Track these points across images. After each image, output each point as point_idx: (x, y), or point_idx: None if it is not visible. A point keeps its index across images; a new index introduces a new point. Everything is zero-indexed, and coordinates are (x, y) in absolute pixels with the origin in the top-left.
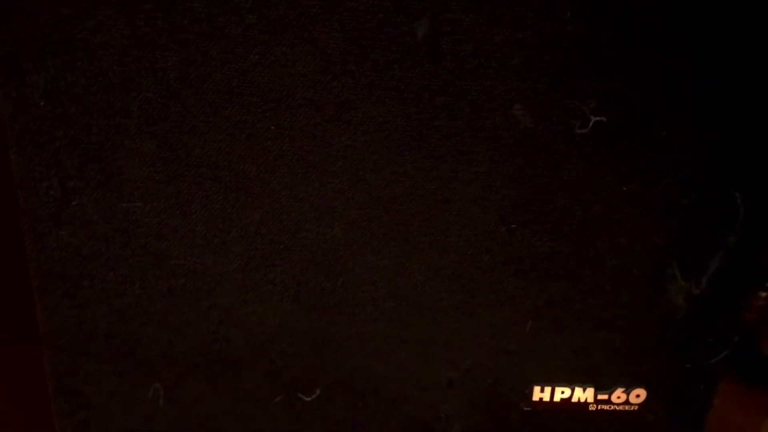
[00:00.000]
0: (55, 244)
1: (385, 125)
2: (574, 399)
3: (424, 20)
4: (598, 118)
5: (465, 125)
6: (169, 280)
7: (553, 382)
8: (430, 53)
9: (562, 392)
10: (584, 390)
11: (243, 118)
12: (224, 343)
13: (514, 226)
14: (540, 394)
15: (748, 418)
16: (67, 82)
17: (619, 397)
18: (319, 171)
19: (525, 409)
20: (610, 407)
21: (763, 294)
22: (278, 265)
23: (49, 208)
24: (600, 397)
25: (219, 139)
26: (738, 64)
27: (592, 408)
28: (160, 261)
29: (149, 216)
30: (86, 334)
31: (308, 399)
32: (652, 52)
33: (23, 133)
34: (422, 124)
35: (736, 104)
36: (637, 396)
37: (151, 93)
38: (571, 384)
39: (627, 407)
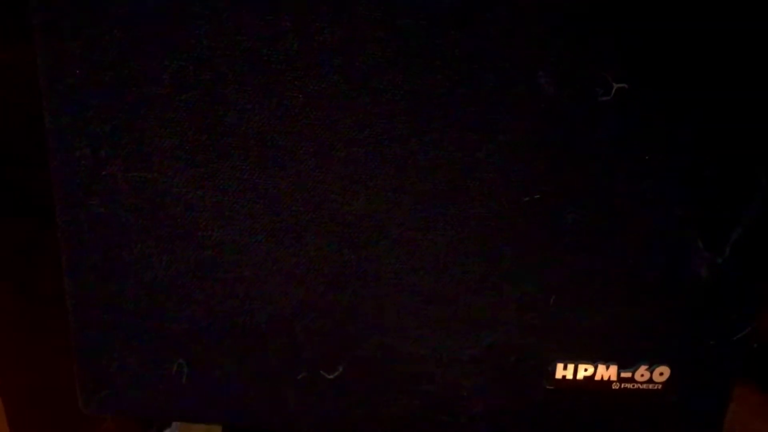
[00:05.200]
0: (85, 214)
1: (411, 93)
2: (597, 377)
3: None
4: (620, 85)
5: (490, 93)
6: (195, 252)
7: (577, 359)
8: (457, 21)
9: (585, 370)
10: (607, 368)
11: (272, 86)
12: (248, 318)
13: (537, 196)
14: (563, 371)
15: (765, 424)
16: (103, 49)
17: (642, 375)
18: (345, 140)
19: (548, 387)
20: (633, 386)
21: None
22: (303, 237)
23: (81, 177)
24: (623, 375)
25: (248, 108)
26: (764, 34)
27: (615, 387)
28: (188, 232)
29: (177, 186)
30: (112, 308)
31: (330, 377)
32: (676, 20)
33: (59, 101)
34: (448, 92)
35: (760, 77)
36: (661, 374)
37: (183, 61)
38: (594, 361)
39: (651, 386)
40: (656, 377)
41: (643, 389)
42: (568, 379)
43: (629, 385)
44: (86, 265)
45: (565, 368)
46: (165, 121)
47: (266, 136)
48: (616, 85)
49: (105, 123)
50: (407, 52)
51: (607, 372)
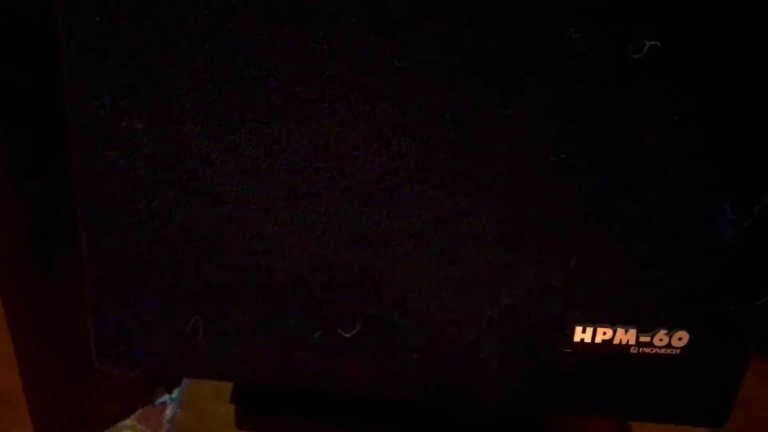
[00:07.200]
0: (103, 166)
1: (438, 47)
2: (616, 341)
3: None
4: (653, 43)
5: (519, 49)
6: (214, 207)
7: (595, 323)
8: None
9: (604, 333)
10: (626, 331)
11: (295, 36)
12: (266, 275)
13: (563, 156)
14: (581, 335)
15: None
16: None
17: (661, 340)
18: (370, 94)
19: (566, 351)
20: (651, 350)
21: None
22: (324, 193)
23: (99, 127)
24: (642, 339)
25: (271, 58)
26: None
27: (633, 351)
28: (207, 186)
29: (198, 139)
30: (128, 263)
31: (348, 335)
32: None
33: (78, 49)
34: (476, 46)
35: None
36: (680, 339)
37: (207, 9)
38: (614, 324)
39: (669, 351)
40: (675, 342)
41: (661, 354)
42: (587, 343)
43: (647, 350)
44: (102, 218)
45: (583, 331)
46: (186, 72)
47: (289, 89)
48: (648, 43)
49: (125, 72)
50: (436, 4)
51: (625, 336)
